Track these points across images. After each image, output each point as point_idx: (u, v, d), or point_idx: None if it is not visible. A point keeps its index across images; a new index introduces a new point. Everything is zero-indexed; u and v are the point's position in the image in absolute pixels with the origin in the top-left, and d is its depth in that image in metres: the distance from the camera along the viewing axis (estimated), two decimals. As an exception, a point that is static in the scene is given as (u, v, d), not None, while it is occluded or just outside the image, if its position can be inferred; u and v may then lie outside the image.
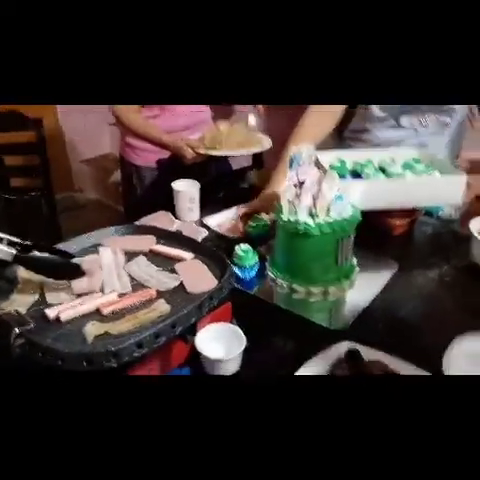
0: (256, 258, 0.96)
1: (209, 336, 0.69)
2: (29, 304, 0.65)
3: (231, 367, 0.68)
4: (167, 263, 0.75)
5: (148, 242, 0.80)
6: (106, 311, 0.62)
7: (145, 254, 0.78)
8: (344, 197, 0.87)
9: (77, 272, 0.67)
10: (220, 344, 0.69)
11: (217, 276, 0.71)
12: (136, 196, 1.47)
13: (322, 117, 1.14)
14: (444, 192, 1.01)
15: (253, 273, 0.95)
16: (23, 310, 0.62)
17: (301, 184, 0.90)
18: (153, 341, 0.55)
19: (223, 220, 1.18)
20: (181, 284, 0.69)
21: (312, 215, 0.86)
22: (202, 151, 1.16)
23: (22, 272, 0.69)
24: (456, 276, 0.93)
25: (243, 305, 0.86)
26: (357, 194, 0.99)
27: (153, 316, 0.61)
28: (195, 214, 1.22)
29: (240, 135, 1.21)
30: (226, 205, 1.22)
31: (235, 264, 0.95)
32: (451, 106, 1.18)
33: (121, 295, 0.67)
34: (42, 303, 0.65)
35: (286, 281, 0.91)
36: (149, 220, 1.15)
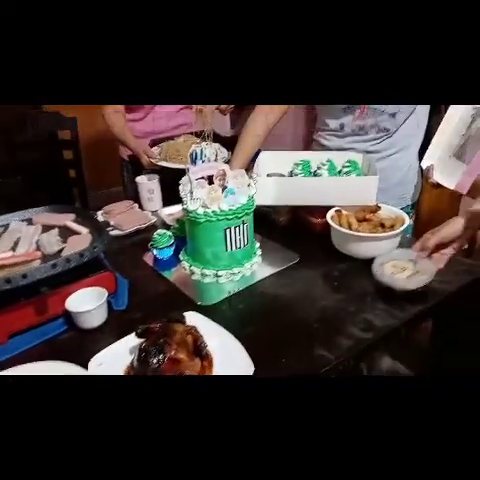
0: (171, 242, 1.09)
1: (82, 295, 0.86)
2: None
3: (93, 320, 0.84)
4: (68, 235, 0.93)
5: (65, 219, 0.99)
6: (-4, 263, 0.83)
7: (59, 227, 0.97)
8: (236, 191, 0.97)
9: None
10: (90, 303, 0.85)
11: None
12: (123, 186, 1.70)
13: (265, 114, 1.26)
14: (356, 193, 1.04)
15: (167, 254, 1.09)
16: None
17: (208, 178, 1.03)
18: (3, 284, 0.73)
19: (174, 212, 1.33)
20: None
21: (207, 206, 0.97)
22: (154, 161, 1.34)
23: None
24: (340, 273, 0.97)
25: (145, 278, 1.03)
26: (273, 189, 1.08)
27: (24, 270, 0.79)
28: (155, 204, 1.39)
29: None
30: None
31: (153, 246, 1.10)
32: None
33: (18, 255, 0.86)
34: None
35: (188, 263, 1.04)
36: (111, 206, 1.35)
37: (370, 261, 0.94)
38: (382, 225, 0.95)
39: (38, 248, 0.90)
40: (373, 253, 0.94)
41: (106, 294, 0.85)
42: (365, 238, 0.91)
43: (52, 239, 0.91)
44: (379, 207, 1.00)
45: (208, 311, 0.86)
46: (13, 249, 0.90)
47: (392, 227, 0.95)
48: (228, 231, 0.96)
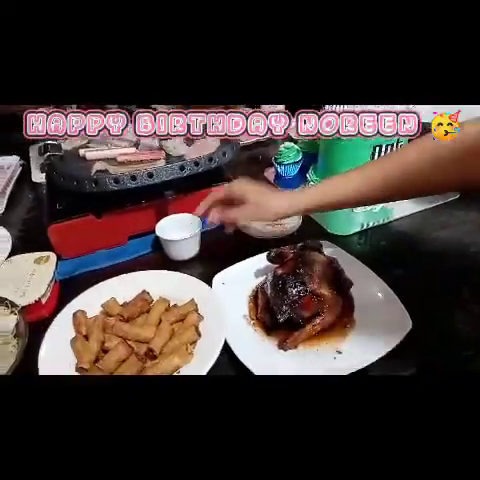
0: (298, 157, 0.95)
1: (174, 221, 0.76)
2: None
3: (184, 250, 0.74)
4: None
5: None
6: (120, 158, 0.76)
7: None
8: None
9: None
10: (184, 231, 0.73)
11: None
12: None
13: None
14: None
15: (292, 171, 0.96)
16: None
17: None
18: (128, 181, 0.66)
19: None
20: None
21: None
22: None
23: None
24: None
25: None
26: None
27: (147, 168, 0.71)
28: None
29: None
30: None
31: (277, 161, 0.97)
32: None
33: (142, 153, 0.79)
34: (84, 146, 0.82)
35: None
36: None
37: None
38: None
39: (161, 148, 0.81)
40: None
41: (199, 224, 0.73)
42: None
43: (176, 140, 0.82)
44: None
45: (340, 243, 0.73)
46: (136, 146, 0.83)
47: None
48: (377, 150, 0.79)
